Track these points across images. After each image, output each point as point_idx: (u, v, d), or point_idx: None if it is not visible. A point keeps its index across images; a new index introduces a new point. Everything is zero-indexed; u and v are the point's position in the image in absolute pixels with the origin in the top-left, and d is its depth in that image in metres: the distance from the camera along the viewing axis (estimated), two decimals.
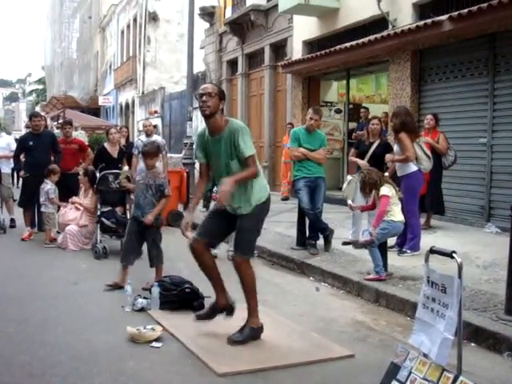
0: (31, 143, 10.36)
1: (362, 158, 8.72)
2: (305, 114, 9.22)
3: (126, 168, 6.99)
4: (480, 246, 8.72)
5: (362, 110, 14.34)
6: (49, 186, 9.95)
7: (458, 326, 3.43)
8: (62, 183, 10.69)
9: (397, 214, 6.81)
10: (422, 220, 10.46)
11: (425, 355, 3.61)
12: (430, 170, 8.60)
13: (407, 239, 8.24)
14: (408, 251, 8.13)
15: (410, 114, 8.62)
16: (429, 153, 8.46)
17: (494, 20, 9.91)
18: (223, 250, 9.02)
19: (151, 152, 7.12)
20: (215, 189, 8.66)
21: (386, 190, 6.75)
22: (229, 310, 5.44)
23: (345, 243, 8.60)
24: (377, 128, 8.78)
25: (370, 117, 10.84)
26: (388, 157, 8.44)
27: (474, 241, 9.21)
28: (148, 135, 12.20)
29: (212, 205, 8.85)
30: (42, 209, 10.00)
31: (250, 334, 5.13)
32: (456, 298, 3.38)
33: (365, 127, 12.48)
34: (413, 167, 8.19)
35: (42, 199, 9.96)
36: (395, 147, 8.41)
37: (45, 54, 56.24)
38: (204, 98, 4.98)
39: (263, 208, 5.24)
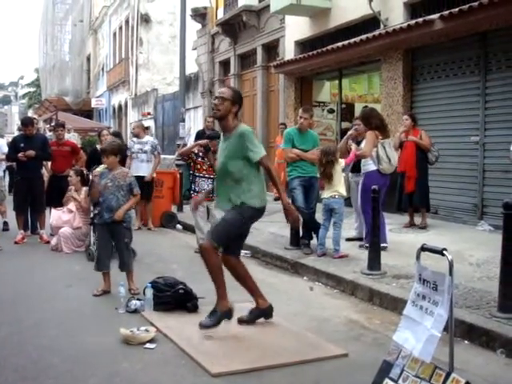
0: (22, 145, 10.28)
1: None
2: (297, 115, 9.23)
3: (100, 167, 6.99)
4: (473, 244, 8.74)
5: (364, 109, 14.25)
6: None
7: (450, 323, 3.44)
8: (53, 185, 10.68)
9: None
10: (398, 218, 10.50)
11: None
12: (389, 172, 8.64)
13: (365, 235, 8.49)
14: (367, 245, 8.11)
15: (380, 114, 9.16)
16: (392, 156, 8.57)
17: (485, 18, 9.93)
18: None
19: (108, 150, 6.85)
20: (192, 187, 9.26)
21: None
22: (269, 312, 5.68)
23: (349, 239, 8.81)
24: (359, 128, 9.04)
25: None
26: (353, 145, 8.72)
27: (467, 239, 9.22)
28: (135, 136, 12.21)
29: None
30: None
31: (219, 318, 5.35)
32: (447, 295, 3.39)
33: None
34: (372, 166, 8.42)
35: None
36: (362, 144, 8.59)
37: (39, 56, 56.15)
38: (216, 101, 5.42)
39: (251, 212, 5.40)
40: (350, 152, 9.11)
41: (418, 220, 10.47)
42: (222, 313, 5.38)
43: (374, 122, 8.48)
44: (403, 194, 10.27)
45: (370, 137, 8.37)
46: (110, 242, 6.87)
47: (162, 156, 14.50)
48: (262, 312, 5.65)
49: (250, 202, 5.34)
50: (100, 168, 6.93)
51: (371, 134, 8.40)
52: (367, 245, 8.24)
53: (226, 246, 5.50)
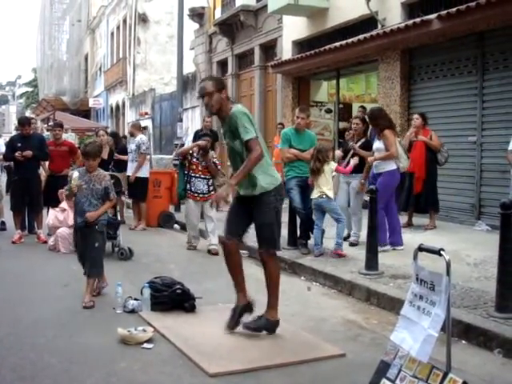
0: (19, 145, 10.27)
1: (345, 157, 9.00)
2: (295, 115, 9.22)
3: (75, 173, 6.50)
4: (470, 244, 8.75)
5: (360, 109, 14.31)
6: None
7: (447, 323, 3.44)
8: (51, 185, 10.67)
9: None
10: (405, 218, 10.52)
11: None
12: (405, 169, 8.88)
13: (388, 235, 8.40)
14: (389, 246, 8.31)
15: (388, 114, 9.18)
16: (407, 154, 8.76)
17: (483, 18, 9.94)
18: (202, 244, 9.57)
19: (92, 153, 6.50)
20: (188, 187, 9.48)
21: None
22: (249, 308, 5.46)
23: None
24: (357, 127, 9.06)
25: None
26: (370, 159, 8.60)
27: (464, 239, 9.23)
28: (131, 136, 12.42)
29: (188, 203, 9.67)
30: None
31: (264, 324, 5.28)
32: (444, 295, 3.40)
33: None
34: (393, 165, 8.38)
35: None
36: (377, 144, 8.53)
37: (36, 56, 56.08)
38: (205, 99, 5.25)
39: (276, 197, 5.30)
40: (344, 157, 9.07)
41: (417, 221, 10.47)
42: (269, 322, 5.31)
43: (382, 124, 8.46)
44: (411, 194, 10.24)
45: (392, 137, 8.36)
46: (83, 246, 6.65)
47: (159, 156, 14.54)
48: (242, 309, 5.43)
49: (269, 187, 5.23)
50: (75, 179, 6.38)
51: (391, 133, 8.38)
52: (389, 246, 8.40)
53: (233, 231, 5.41)
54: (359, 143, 8.97)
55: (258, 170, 5.21)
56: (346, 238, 8.97)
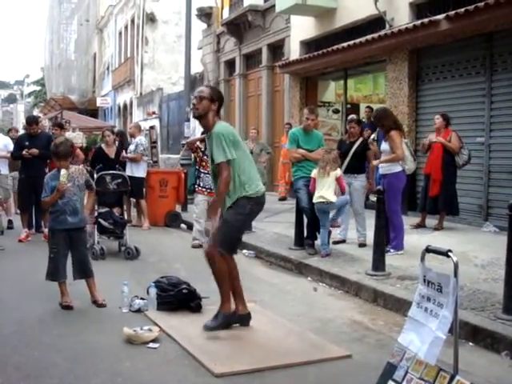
0: (27, 143, 10.31)
1: (345, 158, 8.92)
2: (302, 115, 9.20)
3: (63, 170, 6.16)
4: (478, 246, 8.71)
5: (366, 109, 14.28)
6: None
7: (454, 324, 3.42)
8: None
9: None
10: (416, 219, 10.48)
11: None
12: (412, 171, 8.85)
13: (390, 238, 8.23)
14: (391, 250, 8.11)
15: (394, 115, 9.07)
16: (413, 155, 8.71)
17: (491, 19, 9.91)
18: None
19: (64, 153, 6.18)
20: (197, 182, 9.78)
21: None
22: (247, 318, 5.50)
23: (335, 242, 8.76)
24: (354, 131, 9.09)
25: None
26: (375, 162, 8.58)
27: (472, 240, 9.19)
28: (131, 136, 12.53)
29: (197, 198, 9.88)
30: None
31: (222, 320, 5.38)
32: (452, 296, 3.37)
33: (366, 128, 12.50)
34: (398, 167, 8.31)
35: None
36: (383, 145, 8.47)
37: (44, 55, 56.22)
38: (195, 100, 5.43)
39: (247, 204, 5.36)
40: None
41: (428, 222, 10.42)
42: (225, 315, 5.39)
43: (387, 124, 8.37)
44: (428, 196, 10.18)
45: (398, 138, 8.25)
46: (67, 249, 6.31)
47: (167, 155, 14.53)
48: (233, 316, 5.45)
49: (243, 193, 5.32)
50: (64, 175, 6.06)
51: (397, 134, 8.27)
52: (392, 250, 8.18)
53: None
54: (358, 143, 8.91)
55: (238, 180, 5.33)
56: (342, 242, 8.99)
